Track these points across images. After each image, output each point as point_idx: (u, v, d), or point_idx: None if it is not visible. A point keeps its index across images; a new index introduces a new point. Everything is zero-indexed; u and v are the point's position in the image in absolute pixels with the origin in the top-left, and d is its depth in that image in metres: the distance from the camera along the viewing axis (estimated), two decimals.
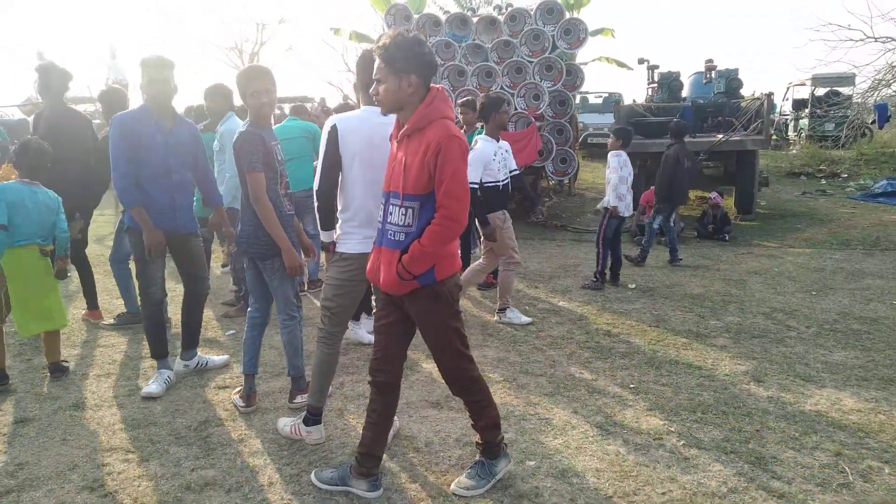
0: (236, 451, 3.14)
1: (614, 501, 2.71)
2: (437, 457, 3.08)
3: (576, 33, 9.79)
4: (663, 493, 2.76)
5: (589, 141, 16.66)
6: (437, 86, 2.51)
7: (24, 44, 46.31)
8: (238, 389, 3.70)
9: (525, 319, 5.21)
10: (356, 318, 4.72)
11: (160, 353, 3.94)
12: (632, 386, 3.94)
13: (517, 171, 5.41)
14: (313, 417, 3.19)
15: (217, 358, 4.31)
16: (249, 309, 3.64)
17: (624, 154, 6.45)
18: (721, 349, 4.60)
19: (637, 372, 4.17)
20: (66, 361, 4.24)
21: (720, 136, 9.74)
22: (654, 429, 3.37)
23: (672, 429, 3.37)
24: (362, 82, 2.99)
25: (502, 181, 5.11)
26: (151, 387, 3.80)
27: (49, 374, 4.07)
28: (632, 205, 6.50)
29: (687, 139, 10.01)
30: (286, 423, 3.30)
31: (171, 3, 42.21)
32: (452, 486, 2.76)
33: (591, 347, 4.64)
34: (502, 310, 5.28)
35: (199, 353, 4.22)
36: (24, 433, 3.33)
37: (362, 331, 4.72)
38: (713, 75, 11.49)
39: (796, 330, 5.04)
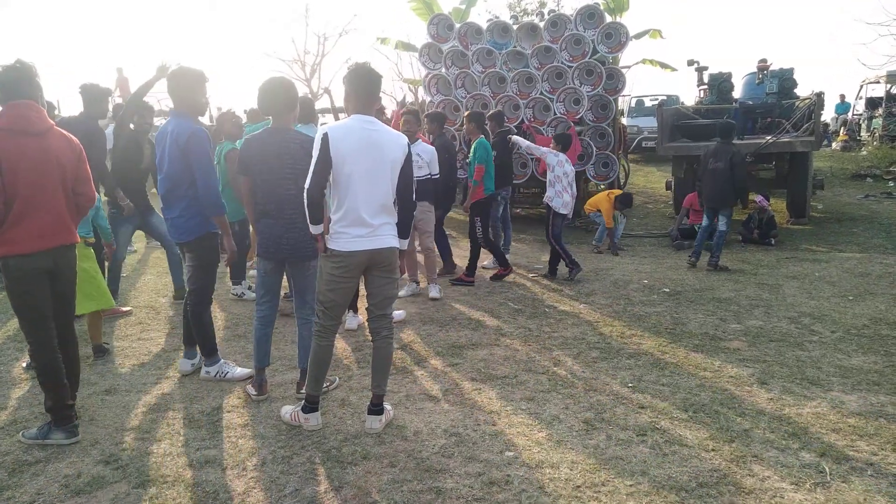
0: (240, 434, 3.40)
1: (581, 491, 2.80)
2: (422, 445, 3.24)
3: (617, 37, 9.77)
4: (631, 486, 2.83)
5: (644, 145, 16.47)
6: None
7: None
8: (250, 380, 3.98)
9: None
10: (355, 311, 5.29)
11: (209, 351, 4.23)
12: (630, 385, 3.98)
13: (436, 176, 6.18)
14: (311, 405, 3.42)
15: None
16: (262, 307, 3.88)
17: (562, 154, 6.89)
18: (732, 352, 4.56)
19: (639, 372, 4.20)
20: (107, 344, 4.73)
21: (768, 137, 9.47)
22: (640, 425, 3.42)
23: (659, 426, 3.41)
24: (352, 94, 3.22)
25: (421, 177, 5.90)
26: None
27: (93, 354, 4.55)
28: (570, 203, 6.86)
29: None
30: (287, 411, 3.55)
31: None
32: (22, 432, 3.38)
33: (600, 348, 4.69)
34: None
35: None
36: None
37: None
38: (766, 75, 11.14)
39: (819, 334, 4.92)
